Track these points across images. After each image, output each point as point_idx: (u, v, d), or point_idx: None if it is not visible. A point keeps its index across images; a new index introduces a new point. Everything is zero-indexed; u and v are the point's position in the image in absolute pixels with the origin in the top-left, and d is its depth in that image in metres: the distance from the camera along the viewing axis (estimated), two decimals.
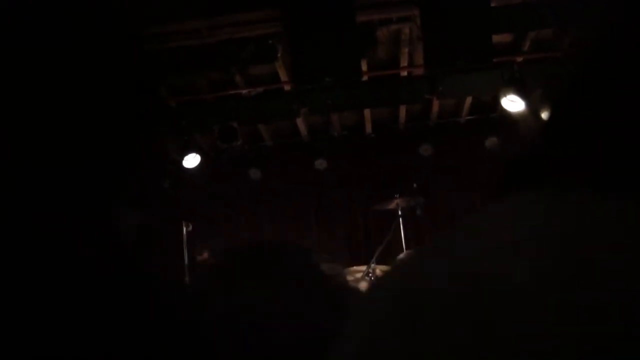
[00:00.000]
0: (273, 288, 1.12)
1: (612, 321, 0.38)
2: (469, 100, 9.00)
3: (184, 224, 6.51)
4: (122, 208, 0.90)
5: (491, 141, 8.99)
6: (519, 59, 7.59)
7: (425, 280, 0.46)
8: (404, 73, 7.99)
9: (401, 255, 5.79)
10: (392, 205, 7.51)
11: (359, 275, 6.39)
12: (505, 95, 7.49)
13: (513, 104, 7.45)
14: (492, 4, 6.25)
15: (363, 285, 5.67)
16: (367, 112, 9.13)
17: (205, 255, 6.35)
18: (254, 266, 1.18)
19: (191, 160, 8.56)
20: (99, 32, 0.88)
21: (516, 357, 0.38)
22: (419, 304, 0.44)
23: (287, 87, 7.97)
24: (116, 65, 0.91)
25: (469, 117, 9.54)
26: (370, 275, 6.24)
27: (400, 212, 7.44)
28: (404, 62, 7.68)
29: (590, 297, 0.39)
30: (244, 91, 8.00)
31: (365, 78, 7.64)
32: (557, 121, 0.54)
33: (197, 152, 8.61)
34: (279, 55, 6.77)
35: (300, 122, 9.13)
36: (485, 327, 0.40)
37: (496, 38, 6.53)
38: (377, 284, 0.54)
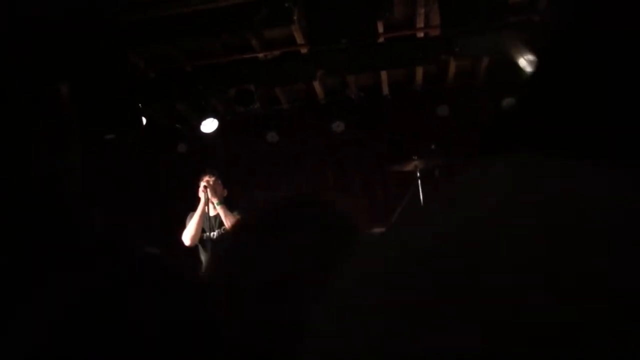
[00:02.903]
0: (304, 242, 1.11)
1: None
2: (486, 60, 8.94)
3: (204, 187, 6.53)
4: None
5: (508, 101, 8.92)
6: (536, 18, 7.50)
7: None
8: (420, 34, 7.94)
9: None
10: (410, 167, 7.50)
11: None
12: (522, 55, 7.43)
13: (530, 63, 7.39)
14: None
15: None
16: (383, 74, 9.09)
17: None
18: (286, 222, 1.18)
19: (209, 125, 8.57)
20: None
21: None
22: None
23: (303, 50, 7.94)
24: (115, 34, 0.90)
25: (485, 78, 9.48)
26: None
27: (418, 174, 7.43)
28: (420, 23, 7.62)
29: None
30: (260, 54, 7.98)
31: (381, 39, 7.59)
32: (535, 84, 0.55)
33: (214, 116, 8.61)
34: (294, 17, 6.74)
35: (316, 85, 9.10)
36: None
37: None
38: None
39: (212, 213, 6.55)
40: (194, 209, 6.67)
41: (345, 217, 1.22)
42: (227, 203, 6.64)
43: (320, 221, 1.18)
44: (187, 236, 6.48)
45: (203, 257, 6.45)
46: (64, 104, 0.82)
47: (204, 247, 6.52)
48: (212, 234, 6.50)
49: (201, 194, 6.59)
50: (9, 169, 0.78)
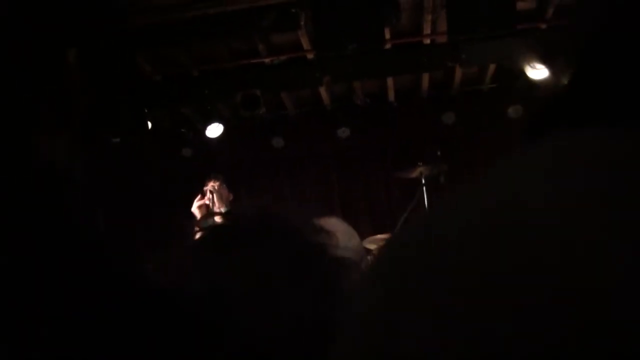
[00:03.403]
0: (252, 260, 1.09)
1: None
2: (492, 67, 8.94)
3: (209, 193, 6.53)
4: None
5: (515, 109, 8.92)
6: (543, 26, 7.51)
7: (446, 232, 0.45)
8: (427, 41, 7.94)
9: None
10: (415, 174, 7.50)
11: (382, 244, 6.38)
12: (529, 63, 7.43)
13: (537, 71, 7.39)
14: None
15: None
16: (389, 80, 9.10)
17: None
18: (237, 236, 1.15)
19: (214, 130, 8.58)
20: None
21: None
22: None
23: (309, 56, 7.94)
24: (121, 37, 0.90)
25: (492, 85, 9.49)
26: None
27: (423, 180, 7.43)
28: (427, 30, 7.63)
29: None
30: (267, 60, 7.99)
31: (388, 46, 7.59)
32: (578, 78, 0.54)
33: (219, 121, 8.62)
34: (301, 23, 6.75)
35: (322, 90, 9.10)
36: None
37: (519, 4, 6.46)
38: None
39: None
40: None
41: (297, 233, 1.19)
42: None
43: (268, 236, 1.15)
44: None
45: None
46: (69, 100, 0.82)
47: None
48: None
49: (207, 200, 6.58)
50: (11, 166, 0.77)
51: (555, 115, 0.54)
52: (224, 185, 6.62)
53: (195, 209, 6.40)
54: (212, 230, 1.24)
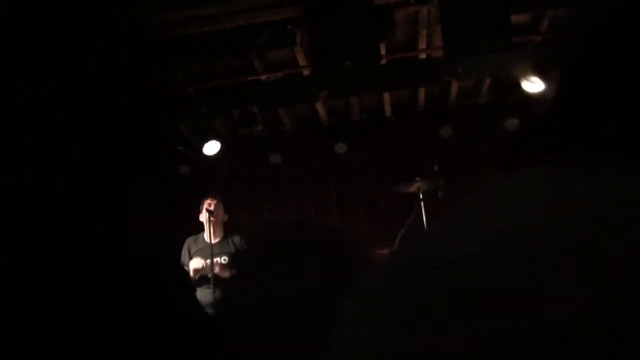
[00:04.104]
0: (305, 274, 1.10)
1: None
2: (488, 81, 8.96)
3: (205, 211, 6.51)
4: (138, 200, 0.90)
5: (511, 122, 8.93)
6: (537, 39, 7.53)
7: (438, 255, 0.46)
8: (423, 55, 7.96)
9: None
10: (413, 188, 7.49)
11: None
12: (524, 76, 7.44)
13: (532, 84, 7.41)
14: None
15: None
16: (386, 95, 9.11)
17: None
18: (288, 251, 1.16)
19: (211, 147, 8.57)
20: (107, 21, 0.88)
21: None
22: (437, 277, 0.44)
23: (306, 72, 7.96)
24: (126, 55, 0.91)
25: (488, 99, 9.51)
26: None
27: (421, 195, 7.42)
28: (423, 44, 7.64)
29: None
30: (263, 76, 8.00)
31: (384, 61, 7.61)
32: (565, 96, 0.54)
33: (216, 138, 8.62)
34: (297, 40, 6.76)
35: (319, 106, 9.11)
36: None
37: (514, 18, 6.48)
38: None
39: (214, 240, 6.48)
40: (194, 233, 6.64)
41: (351, 241, 1.21)
42: (228, 227, 6.63)
43: (325, 245, 1.17)
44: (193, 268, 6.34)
45: (203, 288, 6.23)
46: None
47: (203, 277, 6.31)
48: (216, 260, 6.35)
49: (203, 219, 6.57)
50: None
51: (545, 137, 0.54)
52: (221, 205, 6.60)
53: (191, 270, 6.31)
54: (262, 243, 1.24)
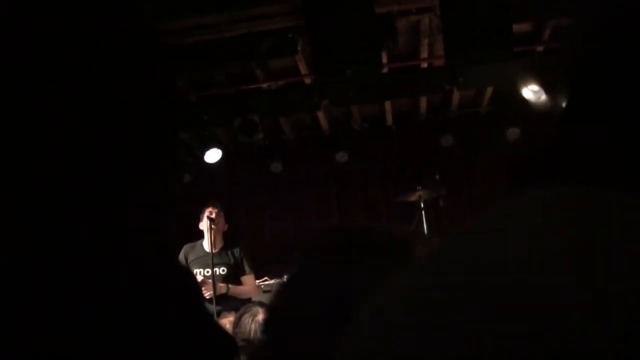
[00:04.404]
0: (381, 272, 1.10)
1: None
2: (489, 90, 8.96)
3: (207, 219, 6.48)
4: (141, 206, 0.89)
5: (512, 131, 8.94)
6: (539, 49, 7.54)
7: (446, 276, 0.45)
8: (424, 64, 7.97)
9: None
10: (414, 197, 7.51)
11: None
12: (526, 85, 7.45)
13: (534, 93, 7.42)
14: None
15: None
16: (387, 104, 9.12)
17: None
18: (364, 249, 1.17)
19: (212, 155, 8.57)
20: (113, 28, 0.88)
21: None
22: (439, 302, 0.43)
23: (307, 81, 7.97)
24: (132, 61, 0.90)
25: (489, 108, 9.51)
26: None
27: (422, 204, 7.43)
28: (424, 54, 7.65)
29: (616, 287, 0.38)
30: (264, 85, 8.01)
31: (385, 70, 7.61)
32: (573, 112, 0.53)
33: (218, 146, 8.62)
34: (299, 48, 6.77)
35: (320, 115, 9.12)
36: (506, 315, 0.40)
37: (516, 27, 6.49)
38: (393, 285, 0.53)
39: (214, 250, 6.43)
40: (193, 240, 6.62)
41: (404, 244, 1.22)
42: (227, 238, 6.61)
43: (381, 251, 1.17)
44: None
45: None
46: None
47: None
48: (216, 270, 6.29)
49: (203, 227, 6.54)
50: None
51: (543, 161, 0.54)
52: (222, 214, 6.58)
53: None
54: (327, 248, 1.24)
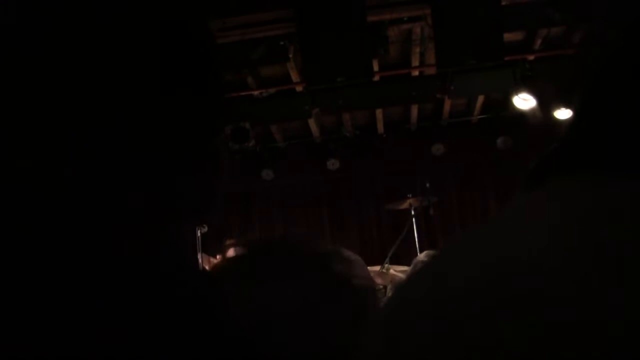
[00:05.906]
0: (289, 289, 1.09)
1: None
2: (480, 99, 8.98)
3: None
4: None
5: (503, 140, 8.96)
6: (530, 57, 7.56)
7: (456, 281, 0.45)
8: (416, 72, 7.98)
9: (421, 256, 5.73)
10: (404, 205, 7.51)
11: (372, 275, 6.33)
12: (517, 94, 7.48)
13: (525, 102, 7.44)
14: (503, 3, 6.24)
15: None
16: (378, 112, 9.12)
17: (221, 256, 6.27)
18: (269, 267, 1.15)
19: None
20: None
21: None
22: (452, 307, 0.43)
23: (298, 88, 7.97)
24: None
25: (480, 116, 9.53)
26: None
27: (413, 212, 7.43)
28: (416, 62, 7.67)
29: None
30: (256, 92, 8.00)
31: (376, 78, 7.62)
32: (586, 112, 0.53)
33: None
34: (290, 56, 6.77)
35: (312, 123, 9.12)
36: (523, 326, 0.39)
37: (507, 36, 6.50)
38: (403, 286, 0.53)
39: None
40: None
41: (321, 259, 1.20)
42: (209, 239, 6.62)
43: (295, 267, 1.16)
44: None
45: None
46: None
47: None
48: None
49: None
50: None
51: (554, 161, 0.53)
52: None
53: None
54: (242, 260, 1.23)
